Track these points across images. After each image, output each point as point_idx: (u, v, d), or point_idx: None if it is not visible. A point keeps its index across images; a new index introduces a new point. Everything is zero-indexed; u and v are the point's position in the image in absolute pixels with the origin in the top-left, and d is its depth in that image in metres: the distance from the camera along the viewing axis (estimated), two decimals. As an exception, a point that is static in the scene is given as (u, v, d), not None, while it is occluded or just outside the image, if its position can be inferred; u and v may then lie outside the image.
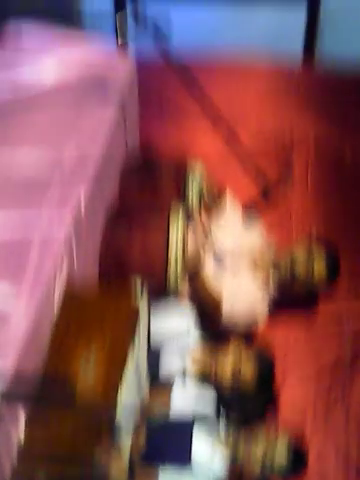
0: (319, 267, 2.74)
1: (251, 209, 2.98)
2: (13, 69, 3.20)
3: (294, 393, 2.79)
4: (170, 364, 2.50)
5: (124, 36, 3.47)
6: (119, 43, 3.45)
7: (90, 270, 2.66)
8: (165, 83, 3.70)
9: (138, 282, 2.45)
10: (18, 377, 1.91)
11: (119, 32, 3.48)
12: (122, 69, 3.28)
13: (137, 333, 2.23)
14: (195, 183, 3.06)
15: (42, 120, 2.89)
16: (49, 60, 3.26)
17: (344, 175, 3.69)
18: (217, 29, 4.96)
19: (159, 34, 2.85)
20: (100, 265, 2.77)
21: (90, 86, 3.10)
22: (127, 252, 2.77)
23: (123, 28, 3.49)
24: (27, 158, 2.64)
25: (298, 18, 5.01)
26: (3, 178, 2.55)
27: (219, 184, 3.14)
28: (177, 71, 2.94)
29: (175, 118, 3.83)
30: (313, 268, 2.74)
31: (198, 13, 4.99)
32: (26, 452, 2.01)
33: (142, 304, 2.34)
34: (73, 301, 2.23)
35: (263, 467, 2.23)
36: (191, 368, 2.50)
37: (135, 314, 2.23)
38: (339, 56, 4.62)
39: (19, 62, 3.25)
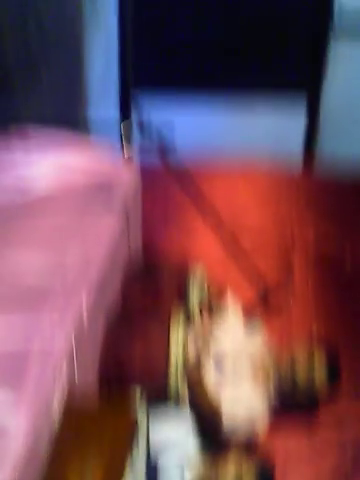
0: (320, 374, 2.76)
1: (252, 313, 3.02)
2: (17, 172, 3.29)
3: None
4: (169, 474, 2.47)
5: (129, 144, 3.59)
6: (124, 154, 3.55)
7: (90, 378, 2.66)
8: (168, 187, 3.81)
9: (137, 391, 2.46)
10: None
11: (124, 140, 3.60)
12: (126, 176, 3.37)
13: (135, 445, 2.22)
14: (196, 286, 3.10)
15: (45, 225, 2.95)
16: (54, 164, 3.34)
17: (344, 276, 3.74)
18: (218, 132, 5.11)
19: (162, 143, 2.95)
20: (100, 372, 2.76)
21: (94, 192, 3.18)
22: (127, 358, 2.78)
23: (128, 136, 3.61)
24: (30, 263, 2.67)
25: (298, 121, 5.17)
26: (5, 284, 2.57)
27: (221, 287, 3.19)
28: (178, 177, 3.04)
29: (178, 221, 3.93)
30: (314, 375, 2.76)
31: (200, 116, 5.15)
32: None
33: (141, 415, 2.33)
34: (72, 414, 2.22)
35: None
36: (190, 479, 2.47)
37: (134, 427, 2.23)
38: (339, 159, 4.75)
39: (24, 165, 3.33)
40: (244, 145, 4.92)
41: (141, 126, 2.97)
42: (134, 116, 4.22)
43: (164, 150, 3.00)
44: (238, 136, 5.07)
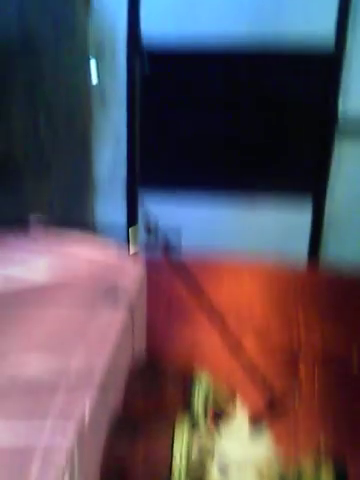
0: (327, 482, 2.67)
1: (258, 419, 2.95)
2: (23, 263, 3.31)
3: None
4: None
5: (135, 247, 3.62)
6: (130, 252, 3.58)
7: (91, 480, 2.57)
8: (173, 284, 3.80)
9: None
10: None
11: (131, 244, 3.64)
12: (132, 272, 3.38)
13: None
14: (201, 391, 3.04)
15: (49, 317, 2.93)
16: (59, 256, 3.37)
17: (351, 382, 3.67)
18: (224, 228, 5.16)
19: (168, 246, 2.98)
20: (101, 475, 2.67)
21: (100, 288, 3.18)
22: (129, 462, 2.69)
23: (135, 240, 3.66)
24: (34, 362, 2.63)
25: (303, 220, 5.22)
26: (8, 382, 2.53)
27: (226, 392, 3.13)
28: (183, 276, 3.04)
29: (182, 319, 3.90)
30: (321, 484, 2.67)
31: (207, 215, 5.22)
32: None
33: None
34: None
35: None
36: None
37: None
38: (344, 258, 4.77)
39: (30, 257, 3.36)
40: (250, 244, 4.96)
41: (148, 230, 3.01)
42: (141, 218, 4.29)
43: (169, 253, 3.03)
44: (244, 235, 5.12)
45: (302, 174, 5.34)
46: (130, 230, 3.85)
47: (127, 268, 3.42)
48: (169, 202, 5.15)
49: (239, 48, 5.04)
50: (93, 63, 5.14)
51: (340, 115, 5.01)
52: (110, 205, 5.09)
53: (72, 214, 4.57)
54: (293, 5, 4.94)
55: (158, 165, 5.33)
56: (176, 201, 5.20)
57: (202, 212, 5.17)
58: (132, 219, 4.90)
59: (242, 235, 5.14)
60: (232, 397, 3.06)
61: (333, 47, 4.94)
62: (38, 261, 3.33)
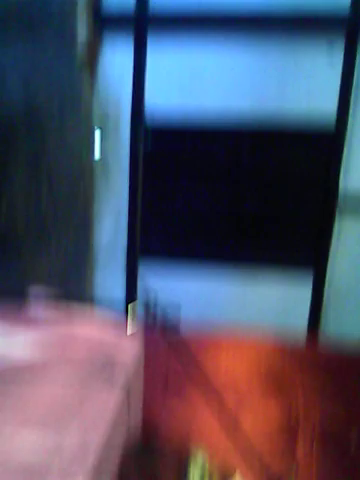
0: None
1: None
2: (21, 341, 3.33)
3: None
4: None
5: (134, 324, 3.64)
6: (128, 329, 3.60)
7: None
8: (170, 361, 3.79)
9: None
10: None
11: (129, 320, 3.66)
12: (130, 349, 3.37)
13: None
14: (197, 471, 3.00)
15: (46, 397, 2.91)
16: (58, 335, 3.39)
17: (349, 460, 3.61)
18: (224, 301, 5.15)
19: (167, 323, 3.01)
20: None
21: (97, 366, 3.17)
22: None
23: (133, 317, 3.67)
24: (27, 441, 2.60)
25: (304, 294, 5.22)
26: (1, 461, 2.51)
27: (222, 471, 3.08)
28: (181, 356, 3.05)
29: (179, 396, 3.85)
30: None
31: (205, 285, 5.21)
32: None
33: None
34: None
35: None
36: None
37: None
38: (344, 333, 4.74)
39: (28, 335, 3.38)
40: (250, 317, 4.94)
41: (147, 307, 3.05)
42: (140, 293, 4.31)
43: (167, 330, 3.05)
44: (244, 308, 5.11)
45: (303, 249, 5.36)
46: (129, 306, 3.87)
47: (124, 345, 3.42)
48: (169, 275, 5.17)
49: (241, 124, 5.13)
50: (97, 136, 5.23)
51: (341, 191, 5.07)
52: (109, 278, 5.10)
53: (71, 286, 4.57)
54: (296, 83, 5.05)
55: (158, 238, 5.37)
56: (176, 274, 5.22)
57: (202, 285, 5.18)
58: (131, 293, 4.91)
59: (242, 308, 5.13)
60: (230, 475, 3.02)
61: (334, 125, 5.03)
62: (35, 337, 3.34)
